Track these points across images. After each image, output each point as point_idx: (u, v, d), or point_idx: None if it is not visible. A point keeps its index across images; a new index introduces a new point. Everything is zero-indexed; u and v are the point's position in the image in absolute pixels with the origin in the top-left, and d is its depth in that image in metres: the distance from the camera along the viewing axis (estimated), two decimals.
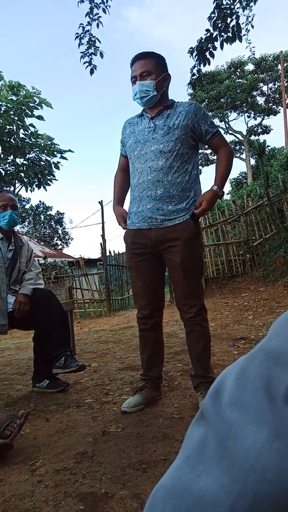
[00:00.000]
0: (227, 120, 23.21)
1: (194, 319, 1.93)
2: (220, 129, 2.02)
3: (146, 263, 2.00)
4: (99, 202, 9.28)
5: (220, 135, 1.99)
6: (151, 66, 1.91)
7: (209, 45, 4.52)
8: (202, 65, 4.69)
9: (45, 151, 7.44)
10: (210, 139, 1.96)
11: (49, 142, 7.37)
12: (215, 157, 2.24)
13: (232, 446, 0.27)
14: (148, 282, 2.02)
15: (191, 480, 0.28)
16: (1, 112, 6.80)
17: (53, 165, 7.60)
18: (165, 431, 1.67)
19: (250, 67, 21.83)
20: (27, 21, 57.60)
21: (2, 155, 7.27)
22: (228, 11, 4.39)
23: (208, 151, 23.31)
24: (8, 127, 6.95)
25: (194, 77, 4.83)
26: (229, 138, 25.44)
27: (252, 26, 4.92)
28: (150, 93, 1.91)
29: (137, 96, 1.94)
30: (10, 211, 2.42)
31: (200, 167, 23.70)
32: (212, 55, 4.61)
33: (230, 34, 4.47)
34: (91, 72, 4.88)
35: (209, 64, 4.67)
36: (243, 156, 23.29)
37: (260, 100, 22.84)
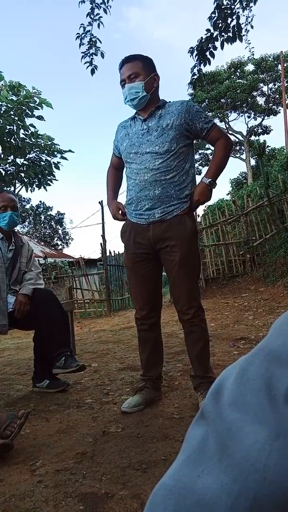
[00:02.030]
0: (227, 120, 23.19)
1: (193, 320, 1.93)
2: (215, 122, 1.98)
3: (144, 264, 2.00)
4: (99, 202, 9.29)
5: (216, 128, 1.95)
6: (138, 68, 1.92)
7: (210, 45, 4.52)
8: (202, 65, 4.69)
9: (45, 151, 7.44)
10: (207, 135, 1.94)
11: (49, 142, 7.37)
12: None
13: (233, 446, 0.27)
14: (145, 283, 2.02)
15: (192, 480, 0.28)
16: (2, 112, 6.80)
17: (53, 165, 7.60)
18: (165, 431, 1.67)
19: (250, 67, 21.82)
20: (27, 21, 57.64)
21: (2, 155, 7.27)
22: (229, 11, 4.39)
23: (208, 151, 23.30)
24: (8, 127, 6.95)
25: (195, 77, 4.84)
26: None
27: (252, 27, 4.92)
28: (139, 94, 1.92)
29: (127, 99, 1.95)
30: (10, 212, 2.43)
31: (200, 167, 23.72)
32: (213, 55, 4.61)
33: (230, 34, 4.47)
34: (92, 72, 4.88)
35: (209, 64, 4.67)
36: (243, 156, 23.28)
37: (260, 100, 22.83)
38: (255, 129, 23.33)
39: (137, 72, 1.92)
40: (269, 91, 22.32)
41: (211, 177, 1.90)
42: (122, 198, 2.13)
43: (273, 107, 22.63)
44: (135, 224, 1.96)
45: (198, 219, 8.40)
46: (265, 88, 22.29)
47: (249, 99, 21.94)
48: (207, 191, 1.90)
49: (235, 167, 40.98)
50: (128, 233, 2.00)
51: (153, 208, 1.89)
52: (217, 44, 4.54)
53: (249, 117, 23.29)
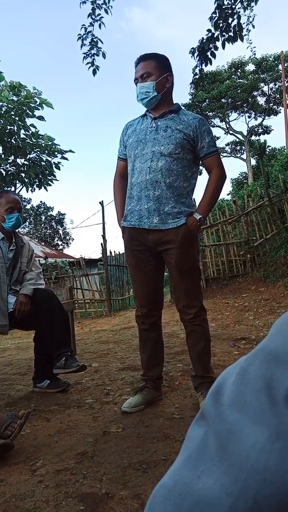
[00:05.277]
0: (227, 120, 23.19)
1: (194, 320, 1.93)
2: (218, 151, 1.99)
3: (146, 262, 2.00)
4: (99, 202, 9.31)
5: (216, 156, 1.96)
6: (151, 68, 1.93)
7: (211, 45, 4.52)
8: (204, 65, 4.69)
9: (46, 152, 7.43)
10: (204, 157, 1.94)
11: (49, 143, 7.36)
12: None
13: (233, 447, 0.27)
14: (147, 281, 2.02)
15: (192, 481, 0.28)
16: (2, 112, 6.80)
17: (53, 166, 7.59)
18: (166, 432, 1.67)
19: (251, 67, 21.81)
20: (28, 21, 57.67)
21: (3, 156, 7.27)
22: (229, 11, 4.39)
23: None
24: (9, 127, 6.95)
25: (196, 77, 4.84)
26: (229, 138, 25.45)
27: (253, 26, 4.92)
28: (150, 94, 1.93)
29: (138, 98, 1.97)
30: (17, 214, 2.44)
31: (200, 167, 23.67)
32: (214, 55, 4.61)
33: (231, 34, 4.47)
34: (94, 72, 4.88)
35: (210, 64, 4.67)
36: (244, 156, 23.27)
37: (261, 100, 22.82)
38: (255, 129, 23.32)
39: (149, 72, 1.93)
40: (269, 91, 22.30)
41: (202, 213, 1.90)
42: None
43: (274, 107, 22.61)
44: (136, 227, 1.97)
45: None
46: (265, 88, 22.28)
47: (250, 99, 21.92)
48: (198, 226, 1.90)
49: (236, 167, 41.05)
50: (130, 231, 2.00)
51: (152, 209, 1.89)
52: (218, 44, 4.53)
53: (249, 117, 23.29)
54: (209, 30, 4.51)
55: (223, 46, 4.51)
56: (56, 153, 7.56)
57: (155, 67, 1.93)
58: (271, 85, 22.03)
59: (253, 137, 23.33)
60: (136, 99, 1.99)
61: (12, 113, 6.95)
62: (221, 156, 2.03)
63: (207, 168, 1.98)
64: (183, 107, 2.04)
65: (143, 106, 2.00)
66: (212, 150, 1.95)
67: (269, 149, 20.84)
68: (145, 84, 1.93)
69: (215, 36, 4.51)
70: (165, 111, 1.95)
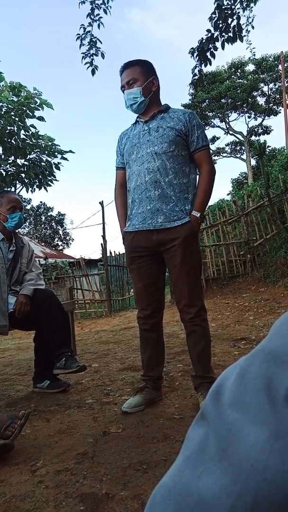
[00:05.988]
0: (227, 120, 23.19)
1: (195, 320, 1.93)
2: (209, 146, 2.00)
3: (147, 265, 2.00)
4: (99, 202, 9.30)
5: (206, 151, 1.96)
6: (136, 74, 1.95)
7: (210, 45, 4.52)
8: (203, 65, 4.69)
9: (46, 152, 7.43)
10: (194, 151, 1.95)
11: (50, 143, 7.36)
12: (215, 158, 2.21)
13: (233, 447, 0.27)
14: (149, 283, 2.03)
15: (192, 481, 0.28)
16: (2, 113, 6.80)
17: (53, 166, 7.59)
18: (166, 432, 1.67)
19: (250, 67, 21.81)
20: (28, 21, 57.69)
21: (3, 156, 7.26)
22: (229, 12, 4.39)
23: None
24: (9, 128, 6.95)
25: (196, 77, 4.84)
26: (229, 138, 25.46)
27: (253, 27, 4.93)
28: (138, 99, 1.95)
29: (127, 104, 1.99)
30: (19, 213, 2.45)
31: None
32: (213, 56, 4.61)
33: (231, 34, 4.47)
34: (93, 72, 4.89)
35: (210, 65, 4.67)
36: (244, 156, 23.27)
37: (261, 100, 22.82)
38: (255, 129, 23.31)
39: (135, 78, 1.95)
40: (269, 91, 22.30)
41: (199, 210, 1.92)
42: None
43: (274, 107, 22.60)
44: (139, 230, 1.97)
45: None
46: (265, 88, 22.27)
47: (250, 99, 21.91)
48: (199, 224, 1.94)
49: (236, 167, 41.11)
50: (133, 235, 2.00)
51: (155, 209, 1.90)
52: (218, 44, 4.54)
53: (249, 117, 23.28)
54: (208, 31, 4.52)
55: (223, 46, 4.51)
56: (56, 153, 7.56)
57: (140, 73, 1.95)
58: (271, 85, 22.03)
59: (253, 137, 23.32)
60: (125, 106, 2.00)
61: (12, 113, 6.95)
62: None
63: (196, 163, 1.98)
64: (181, 107, 2.05)
65: (132, 112, 2.01)
66: (203, 144, 1.95)
67: (269, 149, 20.85)
68: (132, 90, 1.95)
69: (214, 36, 4.51)
70: (155, 112, 1.97)
